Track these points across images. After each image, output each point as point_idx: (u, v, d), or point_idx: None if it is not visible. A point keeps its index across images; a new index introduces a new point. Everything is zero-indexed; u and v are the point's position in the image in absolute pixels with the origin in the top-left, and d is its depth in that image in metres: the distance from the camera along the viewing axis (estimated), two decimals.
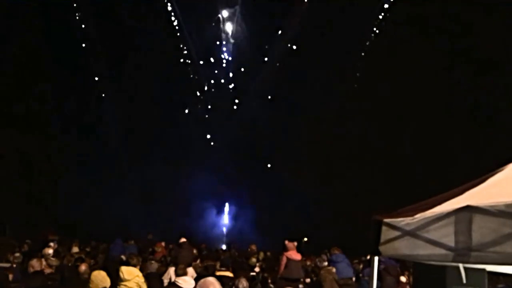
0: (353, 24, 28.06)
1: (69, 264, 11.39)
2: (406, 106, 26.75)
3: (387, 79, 27.11)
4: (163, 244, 16.54)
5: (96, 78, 30.56)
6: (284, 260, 10.99)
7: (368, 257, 4.13)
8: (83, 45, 29.23)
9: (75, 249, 14.98)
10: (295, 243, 11.33)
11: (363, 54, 29.82)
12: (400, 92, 26.44)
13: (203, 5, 30.93)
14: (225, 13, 31.54)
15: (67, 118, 29.03)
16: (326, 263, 11.40)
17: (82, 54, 29.45)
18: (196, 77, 32.99)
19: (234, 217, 31.00)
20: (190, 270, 10.62)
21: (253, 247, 16.23)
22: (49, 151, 26.53)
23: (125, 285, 8.36)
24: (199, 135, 33.23)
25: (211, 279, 3.34)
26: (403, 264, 12.14)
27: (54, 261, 10.32)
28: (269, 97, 32.59)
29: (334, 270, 10.65)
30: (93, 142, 29.87)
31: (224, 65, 33.19)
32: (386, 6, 28.44)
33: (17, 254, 11.33)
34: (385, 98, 27.26)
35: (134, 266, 8.68)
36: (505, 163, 3.63)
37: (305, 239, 26.61)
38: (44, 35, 26.56)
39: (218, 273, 9.55)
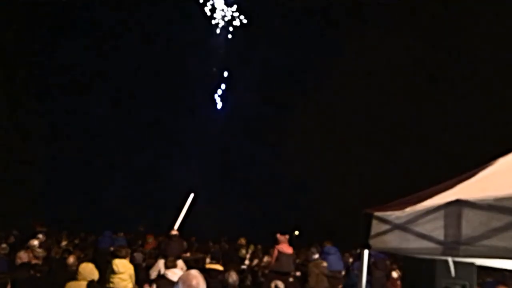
0: None
1: (57, 256, 11.31)
2: (390, 94, 26.89)
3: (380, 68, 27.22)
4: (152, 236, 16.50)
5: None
6: (276, 253, 10.98)
7: (359, 250, 4.13)
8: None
9: (64, 242, 14.91)
10: (287, 236, 11.29)
11: None
12: (389, 78, 26.57)
13: None
14: None
15: (55, 109, 28.77)
16: (316, 256, 11.40)
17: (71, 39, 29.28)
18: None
19: (224, 208, 30.99)
20: (180, 263, 10.58)
21: (243, 240, 16.21)
22: (36, 141, 26.28)
23: (119, 278, 8.33)
24: (190, 125, 33.11)
25: (194, 272, 3.28)
26: (394, 258, 12.20)
27: (41, 253, 10.25)
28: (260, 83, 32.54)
29: (324, 264, 10.65)
30: (81, 132, 29.68)
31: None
32: None
33: (4, 245, 11.21)
34: (373, 82, 27.41)
35: (123, 258, 8.64)
36: (494, 157, 3.63)
37: (296, 232, 26.68)
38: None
39: (207, 266, 9.52)
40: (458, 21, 24.99)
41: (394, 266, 11.84)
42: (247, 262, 13.75)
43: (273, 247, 11.33)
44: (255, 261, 13.68)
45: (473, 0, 24.18)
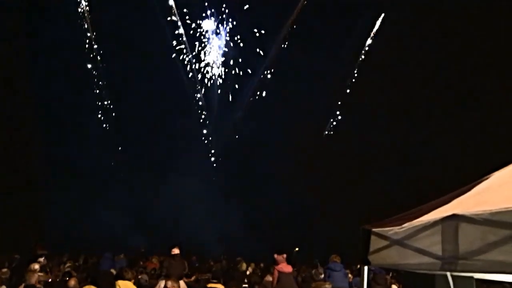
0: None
1: (57, 280, 11.26)
2: (388, 114, 27.03)
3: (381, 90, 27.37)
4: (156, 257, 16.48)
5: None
6: (276, 274, 10.91)
7: (358, 266, 4.15)
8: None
9: (68, 264, 14.82)
10: (285, 255, 11.21)
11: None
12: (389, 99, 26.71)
13: None
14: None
15: (54, 133, 28.83)
16: (322, 276, 11.29)
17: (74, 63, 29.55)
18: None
19: (225, 226, 30.89)
20: (182, 284, 10.56)
21: (241, 259, 16.16)
22: (35, 164, 26.25)
23: None
24: (188, 144, 33.21)
25: None
26: (397, 273, 12.15)
27: (42, 276, 10.20)
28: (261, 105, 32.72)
29: (327, 285, 10.56)
30: (81, 155, 29.71)
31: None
32: None
33: (5, 270, 11.18)
34: (374, 106, 27.52)
35: (129, 280, 8.63)
36: (490, 171, 3.68)
37: (296, 249, 26.55)
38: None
39: (209, 286, 9.50)
40: None
41: (394, 281, 11.79)
42: (246, 280, 13.69)
43: (273, 267, 11.29)
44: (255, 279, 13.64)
45: None
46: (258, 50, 31.44)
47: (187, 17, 31.10)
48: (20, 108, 25.41)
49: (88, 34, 29.98)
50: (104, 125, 32.11)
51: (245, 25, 31.06)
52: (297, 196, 29.11)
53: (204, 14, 31.37)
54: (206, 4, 30.97)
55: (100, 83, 31.31)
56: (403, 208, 4.02)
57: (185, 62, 32.24)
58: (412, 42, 27.04)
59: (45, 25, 26.95)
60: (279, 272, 10.88)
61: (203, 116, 34.16)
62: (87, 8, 29.39)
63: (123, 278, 8.52)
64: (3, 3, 24.31)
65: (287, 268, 11.02)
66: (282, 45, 31.09)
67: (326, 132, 31.79)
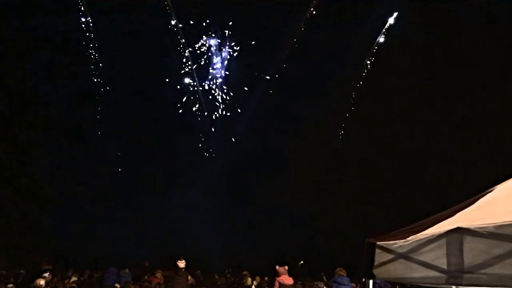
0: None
1: None
2: (391, 126, 27.03)
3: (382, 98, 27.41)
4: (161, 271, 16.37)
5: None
6: (277, 285, 10.89)
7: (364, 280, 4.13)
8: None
9: (74, 279, 14.80)
10: (286, 267, 11.19)
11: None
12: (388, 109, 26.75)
13: None
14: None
15: (59, 147, 28.87)
16: None
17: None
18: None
19: (229, 239, 30.78)
20: None
21: (246, 272, 16.08)
22: (40, 178, 26.26)
23: None
24: (192, 159, 33.28)
25: None
26: (402, 287, 12.01)
27: None
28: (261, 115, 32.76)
29: None
30: (87, 171, 29.78)
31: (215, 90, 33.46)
32: None
33: (10, 285, 11.17)
34: (374, 115, 27.57)
35: None
36: (494, 184, 3.67)
37: (301, 262, 26.43)
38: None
39: None
40: None
41: None
42: None
43: (274, 279, 11.25)
44: None
45: None
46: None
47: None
48: (23, 124, 25.52)
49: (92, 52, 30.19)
50: (107, 140, 32.17)
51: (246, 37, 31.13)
52: (302, 209, 29.01)
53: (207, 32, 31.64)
54: (208, 21, 31.15)
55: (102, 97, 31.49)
56: (408, 221, 4.02)
57: (191, 80, 32.42)
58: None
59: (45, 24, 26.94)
60: (280, 283, 10.86)
61: (206, 129, 34.24)
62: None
63: None
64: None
65: (288, 280, 10.98)
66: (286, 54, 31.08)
67: (338, 139, 31.65)
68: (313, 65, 29.50)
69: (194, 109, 33.27)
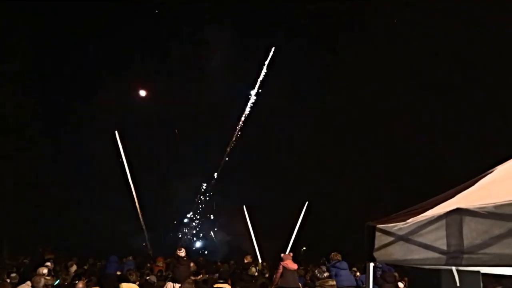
0: None
1: (66, 283, 11.30)
2: (394, 110, 27.02)
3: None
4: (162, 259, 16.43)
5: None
6: (280, 269, 10.99)
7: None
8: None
9: (74, 268, 14.86)
10: (291, 254, 11.32)
11: None
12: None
13: None
14: None
15: (59, 138, 28.89)
16: (326, 274, 11.23)
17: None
18: None
19: (230, 226, 30.90)
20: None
21: (249, 258, 16.08)
22: (41, 167, 26.31)
23: None
24: (192, 143, 33.37)
25: None
26: (402, 269, 12.07)
27: (49, 280, 10.24)
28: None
29: (331, 282, 10.49)
30: (87, 157, 29.82)
31: None
32: None
33: (13, 275, 11.23)
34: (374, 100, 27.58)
35: (134, 282, 8.64)
36: (493, 165, 3.66)
37: (304, 248, 26.52)
38: None
39: (216, 286, 9.52)
40: None
41: (400, 279, 11.70)
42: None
43: (279, 264, 11.33)
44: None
45: None
46: None
47: None
48: (25, 112, 25.51)
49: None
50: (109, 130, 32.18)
51: None
52: (302, 194, 29.05)
53: None
54: None
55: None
56: (408, 204, 4.01)
57: None
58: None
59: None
60: (284, 267, 10.96)
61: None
62: None
63: (128, 281, 8.54)
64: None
65: (292, 265, 11.09)
66: None
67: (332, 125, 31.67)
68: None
69: None
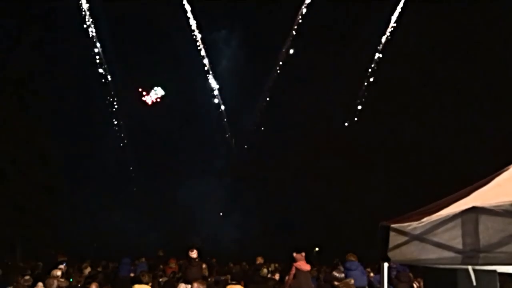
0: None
1: (79, 285, 11.36)
2: (403, 113, 26.89)
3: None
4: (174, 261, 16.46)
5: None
6: (293, 270, 10.90)
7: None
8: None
9: (88, 270, 14.93)
10: (303, 254, 11.19)
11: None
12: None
13: None
14: None
15: (71, 142, 29.02)
16: (343, 275, 11.16)
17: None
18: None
19: (243, 227, 30.88)
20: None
21: (260, 259, 15.99)
22: (54, 172, 26.47)
23: None
24: (205, 147, 33.43)
25: None
26: (416, 269, 11.97)
27: (63, 282, 10.30)
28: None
29: (352, 281, 10.43)
30: (100, 160, 30.01)
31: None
32: None
33: (27, 277, 11.30)
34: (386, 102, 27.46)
35: (146, 283, 8.66)
36: (510, 163, 3.61)
37: (317, 249, 26.44)
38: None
39: (228, 287, 9.52)
40: None
41: (414, 279, 11.59)
42: (276, 276, 13.65)
43: (292, 265, 11.26)
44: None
45: None
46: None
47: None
48: (35, 118, 25.70)
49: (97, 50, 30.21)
50: (120, 132, 32.47)
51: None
52: (315, 196, 29.01)
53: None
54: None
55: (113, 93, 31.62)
56: (422, 203, 3.97)
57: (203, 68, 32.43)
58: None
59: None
60: (297, 269, 10.86)
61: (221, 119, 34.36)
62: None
63: (141, 282, 8.57)
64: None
65: (305, 266, 10.99)
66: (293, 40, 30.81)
67: (346, 124, 31.59)
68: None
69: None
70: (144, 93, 30.13)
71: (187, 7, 29.67)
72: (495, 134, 23.25)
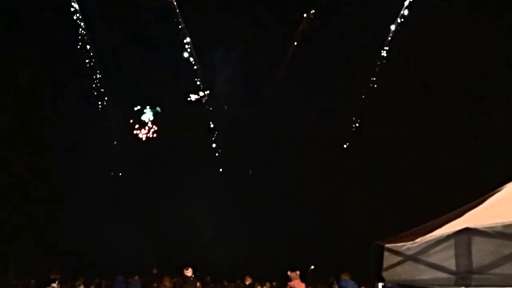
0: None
1: None
2: (403, 126, 26.89)
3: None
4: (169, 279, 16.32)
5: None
6: None
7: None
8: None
9: (82, 287, 14.80)
10: (298, 272, 11.12)
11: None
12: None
13: None
14: None
15: (66, 156, 28.87)
16: None
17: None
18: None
19: (237, 244, 30.66)
20: None
21: (248, 278, 15.64)
22: (49, 184, 26.32)
23: None
24: (201, 163, 33.35)
25: None
26: None
27: None
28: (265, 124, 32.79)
29: None
30: (95, 179, 29.88)
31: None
32: None
33: None
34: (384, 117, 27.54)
35: None
36: (503, 183, 3.63)
37: (312, 267, 26.30)
38: None
39: None
40: None
41: None
42: None
43: (286, 284, 11.20)
44: None
45: None
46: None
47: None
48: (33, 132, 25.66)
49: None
50: (116, 147, 32.47)
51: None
52: (309, 213, 28.90)
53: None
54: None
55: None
56: (416, 223, 3.98)
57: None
58: None
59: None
60: None
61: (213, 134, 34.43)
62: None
63: None
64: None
65: (300, 285, 10.93)
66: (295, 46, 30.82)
67: (345, 145, 31.54)
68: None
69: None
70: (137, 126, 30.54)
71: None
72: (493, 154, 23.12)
